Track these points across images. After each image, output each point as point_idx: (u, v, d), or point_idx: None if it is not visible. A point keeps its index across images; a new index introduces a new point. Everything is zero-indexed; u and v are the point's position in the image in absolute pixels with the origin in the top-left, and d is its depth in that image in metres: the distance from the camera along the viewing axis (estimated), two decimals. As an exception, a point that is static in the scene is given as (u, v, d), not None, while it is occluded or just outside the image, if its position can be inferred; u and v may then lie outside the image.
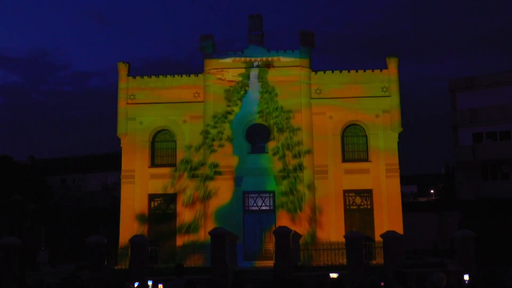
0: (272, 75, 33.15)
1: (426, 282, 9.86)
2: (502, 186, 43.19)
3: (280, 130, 32.70)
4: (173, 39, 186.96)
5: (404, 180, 48.37)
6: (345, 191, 32.39)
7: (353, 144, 33.25)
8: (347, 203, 32.47)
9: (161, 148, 33.85)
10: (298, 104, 32.85)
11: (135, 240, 26.49)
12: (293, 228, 29.33)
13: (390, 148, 32.48)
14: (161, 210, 32.96)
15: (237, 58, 33.42)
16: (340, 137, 32.90)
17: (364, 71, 33.23)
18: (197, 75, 33.74)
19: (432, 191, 70.32)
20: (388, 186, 32.05)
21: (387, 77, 33.07)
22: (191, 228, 32.10)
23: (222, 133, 32.90)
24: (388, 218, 31.55)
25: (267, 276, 24.13)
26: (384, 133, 32.61)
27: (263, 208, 32.57)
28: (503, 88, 44.15)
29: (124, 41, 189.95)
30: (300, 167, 32.33)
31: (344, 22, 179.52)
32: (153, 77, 33.85)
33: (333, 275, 18.20)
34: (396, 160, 32.36)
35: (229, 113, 33.01)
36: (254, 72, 33.29)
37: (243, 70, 33.28)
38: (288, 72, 33.09)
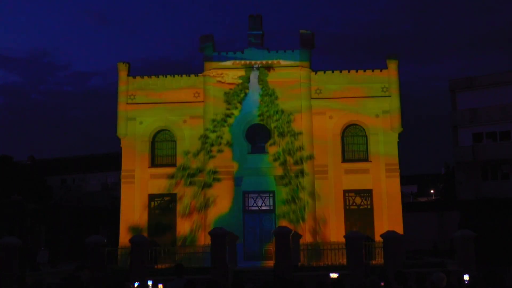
0: (272, 78, 33.10)
1: (426, 282, 9.86)
2: (502, 186, 43.19)
3: (281, 135, 32.58)
4: (173, 39, 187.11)
5: (404, 180, 48.38)
6: (345, 191, 32.39)
7: (353, 144, 33.25)
8: (347, 203, 32.46)
9: (161, 148, 33.83)
10: (299, 106, 32.73)
11: (135, 240, 26.48)
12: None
13: (390, 148, 32.48)
14: (161, 210, 32.95)
15: (237, 61, 33.34)
16: (340, 137, 32.89)
17: (364, 71, 33.22)
18: (197, 75, 33.73)
19: (432, 191, 70.34)
20: (388, 186, 32.05)
21: (387, 77, 33.07)
22: (191, 228, 32.08)
23: (222, 138, 32.77)
24: (388, 218, 31.54)
25: (267, 276, 24.12)
26: (384, 133, 32.61)
27: (263, 208, 32.56)
28: (503, 88, 44.15)
29: (124, 41, 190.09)
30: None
31: (344, 22, 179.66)
32: (153, 77, 33.83)
33: (333, 275, 18.20)
34: (396, 160, 32.36)
35: (228, 116, 32.95)
36: (254, 75, 33.24)
37: (243, 73, 33.24)
38: (288, 75, 33.02)
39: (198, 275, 24.12)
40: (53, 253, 37.64)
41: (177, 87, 33.54)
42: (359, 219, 32.04)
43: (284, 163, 32.34)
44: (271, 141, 32.73)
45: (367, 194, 32.45)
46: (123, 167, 33.22)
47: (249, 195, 32.61)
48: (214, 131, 32.85)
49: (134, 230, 31.51)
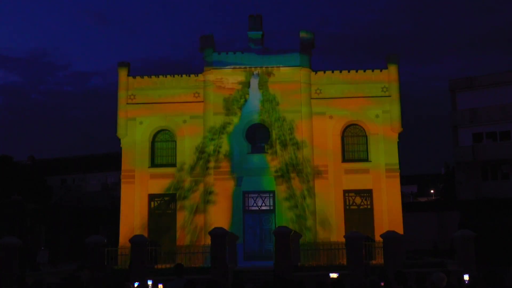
0: (272, 83, 33.01)
1: (426, 282, 9.86)
2: (502, 186, 43.18)
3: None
4: (173, 39, 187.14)
5: (404, 180, 48.41)
6: (345, 191, 32.39)
7: (353, 144, 33.26)
8: (347, 203, 32.47)
9: (161, 148, 33.84)
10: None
11: (135, 240, 26.47)
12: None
13: (390, 148, 32.48)
14: (161, 210, 32.95)
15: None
16: (340, 137, 32.90)
17: (364, 71, 33.22)
18: (197, 75, 33.72)
19: (432, 191, 70.34)
20: (388, 186, 32.05)
21: (387, 78, 33.07)
22: (191, 228, 32.07)
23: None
24: (388, 218, 31.55)
25: (267, 276, 24.11)
26: (384, 133, 32.62)
27: (263, 208, 32.57)
28: (503, 88, 44.14)
29: (124, 41, 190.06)
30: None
31: (344, 22, 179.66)
32: (153, 77, 33.83)
33: (333, 275, 18.18)
34: (396, 160, 32.37)
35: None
36: (254, 80, 33.14)
37: (243, 78, 33.19)
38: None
39: (198, 275, 24.12)
40: (53, 253, 37.67)
41: (177, 87, 33.53)
42: (359, 219, 32.03)
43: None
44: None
45: (367, 194, 32.45)
46: (123, 167, 33.22)
47: (249, 195, 32.61)
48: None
49: (134, 230, 31.50)
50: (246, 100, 33.02)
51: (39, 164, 65.94)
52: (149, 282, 17.03)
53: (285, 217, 31.60)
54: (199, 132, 33.03)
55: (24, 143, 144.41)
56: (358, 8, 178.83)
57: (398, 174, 32.42)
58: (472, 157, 44.30)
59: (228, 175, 32.41)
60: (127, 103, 33.59)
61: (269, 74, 33.12)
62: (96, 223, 44.13)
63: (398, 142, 32.75)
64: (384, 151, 32.44)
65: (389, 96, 32.88)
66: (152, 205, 33.01)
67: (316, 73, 33.34)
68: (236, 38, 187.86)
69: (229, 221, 31.56)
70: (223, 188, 32.24)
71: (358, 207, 32.51)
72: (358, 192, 32.54)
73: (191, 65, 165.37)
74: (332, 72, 33.34)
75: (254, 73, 33.16)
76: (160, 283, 16.71)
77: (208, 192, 32.24)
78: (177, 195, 32.62)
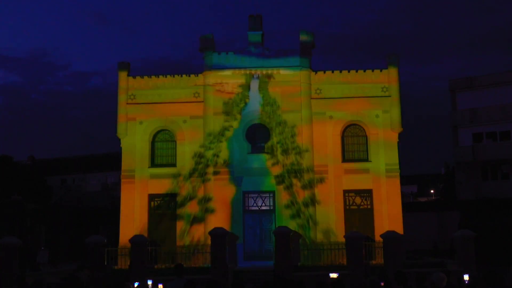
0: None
1: (426, 282, 9.86)
2: (502, 186, 43.17)
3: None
4: (173, 39, 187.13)
5: (404, 180, 48.40)
6: (345, 191, 32.39)
7: (353, 144, 33.25)
8: (347, 203, 32.47)
9: (161, 148, 33.84)
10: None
11: (135, 240, 26.47)
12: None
13: (390, 148, 32.48)
14: (161, 210, 32.94)
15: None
16: (340, 137, 32.89)
17: (364, 71, 33.22)
18: (197, 75, 33.71)
19: (432, 191, 70.34)
20: (388, 186, 32.06)
21: (387, 77, 33.06)
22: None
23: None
24: (388, 218, 31.55)
25: (267, 276, 24.11)
26: (384, 133, 32.61)
27: (263, 208, 32.56)
28: (503, 88, 44.13)
29: (124, 41, 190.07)
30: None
31: (344, 22, 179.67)
32: (153, 77, 33.83)
33: (333, 275, 18.19)
34: (396, 160, 32.37)
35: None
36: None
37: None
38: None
39: (198, 275, 24.12)
40: (53, 253, 37.65)
41: (177, 87, 33.52)
42: (359, 219, 32.03)
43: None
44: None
45: (367, 194, 32.45)
46: (123, 167, 33.22)
47: (249, 195, 32.60)
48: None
49: (134, 230, 31.49)
50: (246, 103, 32.99)
51: (39, 164, 65.94)
52: (149, 282, 17.03)
53: (285, 217, 31.59)
54: (199, 132, 33.00)
55: (24, 143, 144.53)
56: (358, 8, 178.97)
57: (398, 174, 32.41)
58: (472, 157, 44.30)
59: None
60: (127, 103, 33.59)
61: (269, 76, 33.09)
62: (96, 223, 44.11)
63: (398, 142, 32.74)
64: (384, 151, 32.44)
65: (389, 96, 32.88)
66: (152, 205, 33.01)
67: (316, 73, 33.33)
68: (236, 38, 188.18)
69: (229, 221, 31.58)
70: (223, 188, 32.22)
71: (358, 207, 32.51)
72: (358, 192, 32.54)
73: (191, 65, 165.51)
74: (332, 72, 33.34)
75: (254, 75, 33.13)
76: (160, 283, 16.72)
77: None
78: (177, 195, 32.59)
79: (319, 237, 31.34)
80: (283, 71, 33.07)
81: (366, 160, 32.76)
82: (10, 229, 36.84)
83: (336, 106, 32.84)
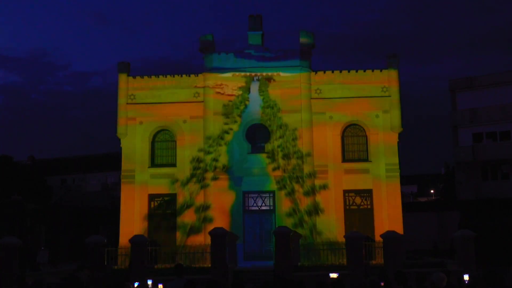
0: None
1: (426, 282, 9.86)
2: (502, 186, 43.15)
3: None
4: (173, 39, 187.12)
5: (404, 180, 48.38)
6: (345, 191, 32.39)
7: (353, 144, 33.25)
8: (347, 203, 32.47)
9: (161, 148, 33.83)
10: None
11: (135, 240, 26.47)
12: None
13: (390, 148, 32.48)
14: (161, 210, 32.93)
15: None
16: (340, 137, 32.89)
17: (364, 71, 33.22)
18: (197, 75, 33.71)
19: (432, 191, 70.34)
20: (388, 186, 32.06)
21: (387, 77, 33.06)
22: (191, 228, 32.03)
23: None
24: (388, 218, 31.55)
25: (267, 276, 24.11)
26: (384, 133, 32.62)
27: (263, 208, 32.56)
28: (503, 88, 44.09)
29: (124, 41, 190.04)
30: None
31: (344, 22, 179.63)
32: (153, 77, 33.82)
33: (333, 275, 18.21)
34: (396, 160, 32.37)
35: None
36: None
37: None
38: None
39: (198, 275, 24.12)
40: (53, 253, 37.65)
41: (177, 87, 33.51)
42: (359, 219, 32.03)
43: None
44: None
45: (367, 194, 32.45)
46: (123, 167, 33.22)
47: (249, 195, 32.60)
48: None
49: (134, 230, 31.47)
50: (246, 106, 32.97)
51: (39, 164, 65.92)
52: (149, 282, 17.04)
53: (285, 217, 31.59)
54: (200, 133, 32.98)
55: (24, 143, 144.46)
56: (358, 8, 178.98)
57: (398, 174, 32.41)
58: (472, 157, 44.28)
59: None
60: (127, 103, 33.59)
61: (270, 79, 33.08)
62: (96, 223, 44.11)
63: (398, 142, 32.74)
64: (384, 151, 32.44)
65: (389, 96, 32.88)
66: (152, 205, 33.01)
67: (316, 73, 33.33)
68: (236, 38, 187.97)
69: (229, 221, 31.59)
70: (223, 188, 32.21)
71: (358, 207, 32.51)
72: (358, 192, 32.54)
73: (191, 65, 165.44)
74: (332, 72, 33.33)
75: (254, 78, 33.13)
76: (160, 283, 16.73)
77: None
78: (177, 195, 32.58)
79: (319, 238, 31.31)
80: (283, 73, 33.07)
81: (366, 160, 32.76)
82: (10, 229, 36.86)
83: (336, 106, 32.84)
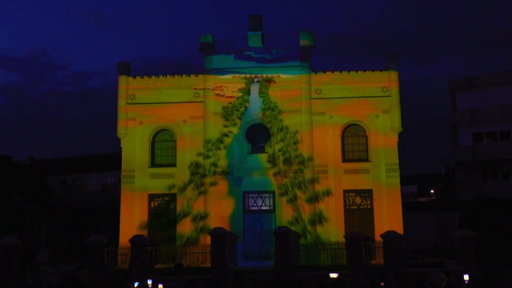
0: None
1: (426, 282, 9.86)
2: (502, 186, 43.15)
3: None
4: (173, 39, 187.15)
5: (404, 180, 48.36)
6: (345, 191, 32.39)
7: (353, 144, 33.25)
8: (347, 203, 32.46)
9: (161, 148, 33.83)
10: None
11: (135, 240, 26.47)
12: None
13: (390, 148, 32.48)
14: (161, 210, 32.93)
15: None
16: (340, 137, 32.89)
17: (364, 71, 33.22)
18: (197, 75, 33.70)
19: (432, 191, 70.34)
20: (388, 186, 32.06)
21: (387, 77, 33.07)
22: (191, 228, 32.04)
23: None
24: (388, 218, 31.55)
25: (267, 276, 24.11)
26: (384, 133, 32.62)
27: (263, 208, 32.56)
28: (503, 88, 44.10)
29: (124, 41, 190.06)
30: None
31: (344, 22, 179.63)
32: (153, 77, 33.82)
33: (333, 275, 18.20)
34: (396, 160, 32.37)
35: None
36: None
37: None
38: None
39: (198, 275, 24.11)
40: (53, 253, 37.64)
41: (177, 87, 33.51)
42: (359, 219, 32.04)
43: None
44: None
45: (367, 194, 32.45)
46: (123, 167, 33.22)
47: (249, 195, 32.60)
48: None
49: (134, 230, 31.47)
50: (246, 108, 32.94)
51: (39, 164, 65.91)
52: (149, 282, 17.04)
53: (285, 217, 31.57)
54: (199, 134, 32.96)
55: (24, 143, 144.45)
56: (358, 8, 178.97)
57: (398, 174, 32.42)
58: (472, 157, 44.28)
59: (227, 175, 32.33)
60: (127, 103, 33.58)
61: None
62: (96, 223, 44.11)
63: (398, 142, 32.74)
64: (384, 151, 32.43)
65: (389, 96, 32.88)
66: (152, 205, 33.01)
67: (316, 73, 33.32)
68: (236, 38, 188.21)
69: (229, 221, 31.58)
70: (223, 188, 32.20)
71: (358, 207, 32.51)
72: (358, 192, 32.53)
73: (191, 65, 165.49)
74: (332, 72, 33.34)
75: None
76: (160, 283, 16.72)
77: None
78: (177, 195, 32.57)
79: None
80: (283, 75, 33.05)
81: (366, 160, 32.75)
82: (10, 229, 36.85)
83: (336, 107, 32.84)
